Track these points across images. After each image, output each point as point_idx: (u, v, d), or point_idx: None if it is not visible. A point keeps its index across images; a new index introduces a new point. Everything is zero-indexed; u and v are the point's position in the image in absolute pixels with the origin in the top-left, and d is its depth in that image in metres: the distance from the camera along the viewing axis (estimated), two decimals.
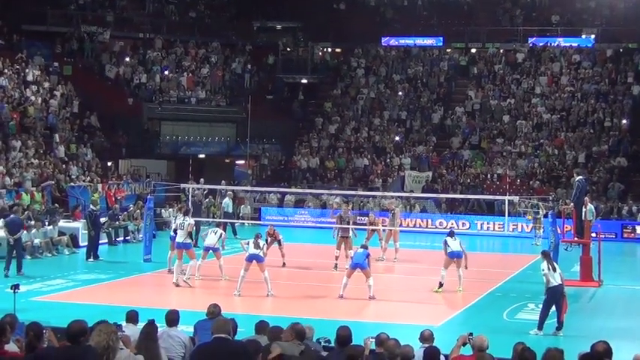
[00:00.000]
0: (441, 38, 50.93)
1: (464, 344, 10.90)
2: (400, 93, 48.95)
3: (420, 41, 51.42)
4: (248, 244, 21.65)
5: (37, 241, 27.50)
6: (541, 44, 49.36)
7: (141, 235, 30.56)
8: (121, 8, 50.30)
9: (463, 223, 37.79)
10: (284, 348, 9.25)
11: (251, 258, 21.28)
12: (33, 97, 39.31)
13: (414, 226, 38.25)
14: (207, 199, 37.74)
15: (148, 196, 30.22)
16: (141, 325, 11.34)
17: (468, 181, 42.34)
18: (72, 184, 35.46)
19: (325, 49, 52.99)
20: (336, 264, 25.99)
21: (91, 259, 27.28)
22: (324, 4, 52.46)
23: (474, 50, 50.49)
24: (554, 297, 18.00)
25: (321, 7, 51.89)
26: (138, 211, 33.11)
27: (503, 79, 48.37)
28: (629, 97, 45.28)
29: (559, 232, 26.64)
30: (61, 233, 29.28)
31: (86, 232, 28.22)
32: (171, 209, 34.41)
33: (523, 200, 35.52)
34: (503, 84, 48.12)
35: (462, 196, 38.60)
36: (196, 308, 15.91)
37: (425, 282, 23.81)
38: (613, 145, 42.74)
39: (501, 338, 14.17)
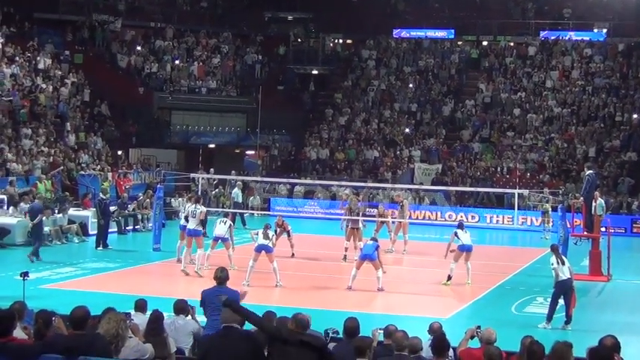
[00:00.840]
0: (453, 30, 50.89)
1: (472, 337, 10.91)
2: (411, 85, 48.88)
3: (432, 33, 51.37)
4: (257, 234, 21.71)
5: (46, 228, 27.48)
6: (552, 38, 49.24)
7: (150, 224, 30.65)
8: None
9: (472, 216, 37.73)
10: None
11: (260, 248, 21.30)
12: (44, 85, 39.36)
13: (424, 218, 38.25)
14: (216, 189, 37.79)
15: (158, 186, 30.18)
16: (149, 314, 11.38)
17: (478, 174, 42.31)
18: (82, 172, 35.57)
19: (336, 41, 52.87)
20: (345, 255, 26.04)
21: (101, 248, 27.32)
22: None
23: (485, 43, 50.38)
24: (562, 290, 17.98)
25: None
26: (147, 200, 33.18)
27: (514, 73, 48.23)
28: None
29: (568, 226, 26.62)
30: (71, 221, 29.33)
31: (96, 220, 28.24)
32: (180, 199, 34.43)
33: (533, 194, 35.44)
34: (514, 77, 47.98)
35: (472, 189, 38.55)
36: None
37: (434, 274, 23.81)
38: (624, 140, 42.61)
39: (509, 331, 14.19)
